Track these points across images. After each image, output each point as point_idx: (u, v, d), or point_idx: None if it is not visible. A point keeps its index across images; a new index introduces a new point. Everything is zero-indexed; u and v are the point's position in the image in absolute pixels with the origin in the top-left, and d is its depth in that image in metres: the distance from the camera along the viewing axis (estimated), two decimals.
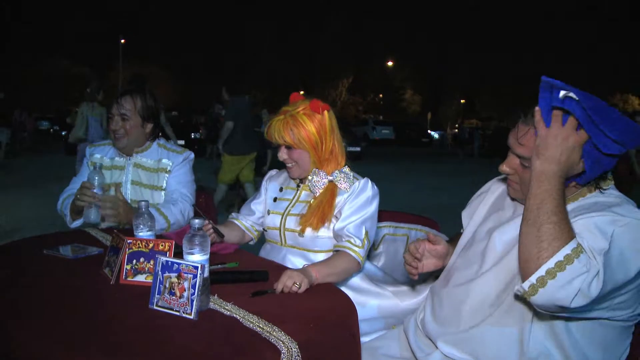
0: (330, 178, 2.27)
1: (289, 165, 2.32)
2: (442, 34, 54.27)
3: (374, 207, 2.26)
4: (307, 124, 2.21)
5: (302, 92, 2.48)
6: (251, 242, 2.55)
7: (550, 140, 1.49)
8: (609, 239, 1.45)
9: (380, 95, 58.93)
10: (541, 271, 1.41)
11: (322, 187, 2.27)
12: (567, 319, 1.56)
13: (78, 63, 42.00)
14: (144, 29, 46.07)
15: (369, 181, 2.29)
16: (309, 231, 2.24)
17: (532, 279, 1.42)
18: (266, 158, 8.95)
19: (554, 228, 1.43)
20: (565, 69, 45.32)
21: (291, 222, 2.30)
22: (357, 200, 2.23)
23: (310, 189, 2.31)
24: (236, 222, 2.50)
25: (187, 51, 47.08)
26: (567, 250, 1.40)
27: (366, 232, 2.19)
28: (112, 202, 2.44)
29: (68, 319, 1.53)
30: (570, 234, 1.44)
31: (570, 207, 1.61)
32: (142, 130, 2.78)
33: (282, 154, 2.30)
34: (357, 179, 2.29)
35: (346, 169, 2.30)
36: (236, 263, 2.12)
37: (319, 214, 2.22)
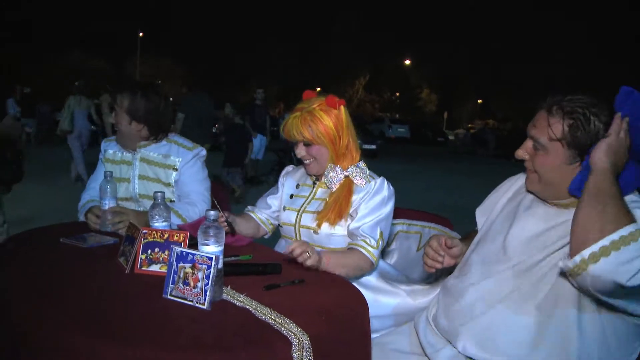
0: (347, 173, 2.28)
1: (307, 161, 2.32)
2: (459, 33, 53.95)
3: (389, 207, 2.26)
4: (324, 119, 2.21)
5: (318, 89, 2.48)
6: (266, 236, 2.56)
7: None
8: None
9: (397, 94, 58.83)
10: (605, 241, 1.40)
11: (339, 182, 2.27)
12: (581, 312, 1.57)
13: (95, 57, 42.20)
14: (160, 23, 46.19)
15: (385, 181, 2.28)
16: (325, 227, 2.24)
17: (595, 247, 1.40)
18: (246, 153, 9.28)
19: (619, 209, 1.45)
20: (574, 73, 44.97)
21: (307, 219, 2.31)
22: (373, 200, 2.23)
23: (326, 185, 2.31)
24: (252, 214, 2.51)
25: (201, 48, 47.15)
26: (631, 228, 1.40)
27: (381, 233, 2.19)
28: (120, 215, 2.42)
29: (82, 307, 1.55)
30: (632, 218, 1.44)
31: None
32: (130, 128, 2.71)
33: (301, 151, 2.30)
34: (373, 178, 2.29)
35: (362, 164, 2.30)
36: (250, 256, 2.13)
37: (336, 209, 2.23)
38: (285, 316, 1.53)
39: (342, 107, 2.25)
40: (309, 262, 1.94)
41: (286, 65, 48.00)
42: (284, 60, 48.08)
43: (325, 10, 52.60)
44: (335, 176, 2.27)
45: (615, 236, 1.39)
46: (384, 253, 2.67)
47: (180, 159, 2.75)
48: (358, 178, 2.26)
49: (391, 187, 2.29)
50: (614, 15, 49.09)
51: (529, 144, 1.73)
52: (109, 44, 42.60)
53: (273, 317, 1.53)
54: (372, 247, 2.15)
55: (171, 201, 2.71)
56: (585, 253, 1.41)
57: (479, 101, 57.41)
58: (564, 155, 1.64)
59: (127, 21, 42.92)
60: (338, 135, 2.24)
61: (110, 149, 2.87)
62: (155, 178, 2.74)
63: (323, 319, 1.58)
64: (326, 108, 2.23)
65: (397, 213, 2.75)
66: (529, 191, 1.85)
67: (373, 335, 1.96)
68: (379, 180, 2.28)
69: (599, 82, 43.06)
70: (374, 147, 19.75)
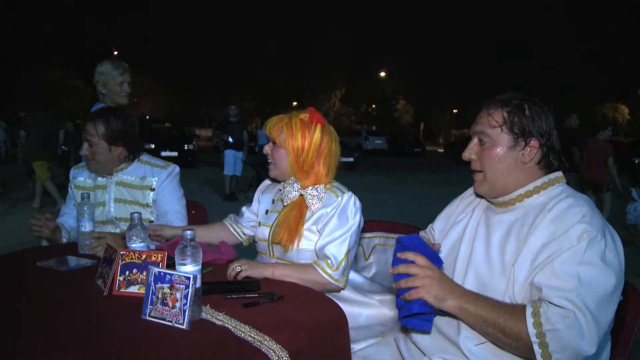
0: (302, 192, 2.29)
1: (270, 161, 2.38)
2: (434, 44, 54.43)
3: (356, 223, 2.25)
4: (296, 130, 2.25)
5: (295, 104, 2.52)
6: (244, 244, 2.62)
7: (437, 281, 1.61)
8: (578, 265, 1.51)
9: (373, 106, 59.14)
10: (538, 357, 1.47)
11: (293, 199, 2.30)
12: None
13: (71, 76, 41.91)
14: (136, 40, 46.08)
15: (352, 196, 2.28)
16: (289, 245, 2.27)
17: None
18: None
19: (507, 326, 1.52)
20: (552, 75, 45.60)
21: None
22: (340, 217, 2.22)
23: (281, 198, 2.35)
24: (226, 223, 2.62)
25: (179, 62, 47.07)
26: (531, 328, 1.47)
27: (347, 251, 2.19)
28: (98, 240, 2.41)
29: (61, 330, 1.55)
30: (517, 312, 1.52)
31: (541, 198, 1.73)
32: (111, 154, 2.71)
33: (267, 148, 2.36)
34: (343, 192, 2.28)
35: (321, 188, 2.28)
36: (210, 268, 2.16)
37: (286, 229, 2.25)
38: (265, 333, 1.54)
39: (318, 127, 2.27)
40: (243, 274, 2.06)
41: (263, 80, 48.06)
42: (261, 76, 48.14)
43: (303, 23, 52.87)
44: (291, 191, 2.30)
45: (537, 347, 1.47)
46: (360, 267, 2.68)
47: (156, 179, 2.76)
48: (310, 200, 2.26)
49: (358, 201, 2.29)
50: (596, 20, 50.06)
51: (474, 141, 1.83)
52: (84, 62, 42.35)
53: (252, 335, 1.53)
54: (332, 269, 2.15)
55: (150, 221, 2.71)
56: None
57: (455, 111, 57.86)
58: (507, 140, 1.74)
59: (102, 39, 42.74)
60: (303, 151, 2.26)
61: (80, 177, 2.87)
62: (132, 200, 2.74)
63: (302, 335, 1.59)
64: (306, 121, 2.27)
65: (375, 226, 2.78)
66: (477, 195, 1.91)
67: (352, 347, 1.97)
68: (346, 195, 2.26)
69: (579, 85, 43.81)
70: (351, 159, 19.83)
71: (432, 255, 1.68)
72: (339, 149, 2.36)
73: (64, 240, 2.67)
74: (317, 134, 2.27)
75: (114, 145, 2.70)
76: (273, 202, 2.45)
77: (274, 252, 2.34)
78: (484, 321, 1.56)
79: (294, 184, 2.30)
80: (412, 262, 1.62)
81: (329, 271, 2.15)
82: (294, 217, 2.26)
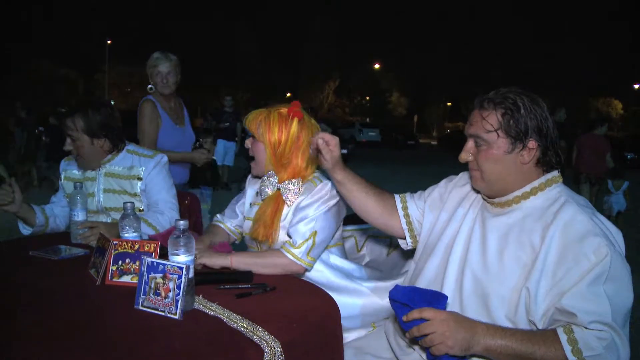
0: (279, 186, 2.29)
1: (251, 155, 2.37)
2: (428, 36, 54.37)
3: (327, 208, 2.23)
4: (273, 124, 2.24)
5: (288, 95, 2.50)
6: (236, 242, 2.58)
7: (455, 328, 1.54)
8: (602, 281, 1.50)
9: (367, 98, 59.05)
10: None
11: (269, 193, 2.30)
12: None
13: (64, 66, 41.63)
14: (131, 30, 45.83)
15: (329, 184, 2.26)
16: (275, 238, 2.26)
17: None
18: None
19: (545, 359, 1.48)
20: (547, 70, 45.62)
21: None
22: (315, 202, 2.22)
23: (259, 192, 2.35)
24: (220, 224, 2.55)
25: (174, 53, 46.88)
26: (571, 356, 1.44)
27: (314, 232, 2.18)
28: (91, 230, 2.41)
29: (54, 320, 1.55)
30: (550, 341, 1.49)
31: (539, 200, 1.69)
32: (94, 147, 2.69)
33: (248, 143, 2.36)
34: (321, 181, 2.28)
35: (297, 181, 2.28)
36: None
37: (262, 225, 2.26)
38: (257, 324, 1.55)
39: (295, 121, 2.25)
40: (200, 261, 2.05)
41: (257, 71, 47.90)
42: (254, 67, 47.97)
43: (299, 15, 52.70)
44: (268, 185, 2.30)
45: None
46: (352, 258, 2.67)
47: (144, 168, 2.75)
48: (287, 194, 2.26)
49: (334, 190, 2.26)
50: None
51: (470, 143, 1.76)
52: (78, 52, 42.11)
53: (245, 325, 1.54)
54: (294, 247, 2.15)
55: (140, 210, 2.71)
56: None
57: (449, 104, 57.83)
58: (504, 144, 1.67)
59: (97, 29, 42.53)
60: (280, 145, 2.25)
61: (71, 168, 2.85)
62: (121, 190, 2.73)
63: (294, 325, 1.60)
64: (284, 115, 2.26)
65: None
66: (475, 190, 1.88)
67: (344, 335, 1.97)
68: (324, 183, 2.27)
69: (578, 80, 43.83)
70: (345, 151, 19.79)
71: (434, 296, 1.61)
72: None
73: (38, 221, 2.65)
74: (294, 128, 2.25)
75: (96, 138, 2.67)
76: (257, 194, 2.45)
77: (261, 245, 2.34)
78: (517, 356, 1.50)
79: (271, 177, 2.30)
80: (420, 319, 1.55)
81: (292, 250, 2.15)
82: (269, 212, 2.27)
